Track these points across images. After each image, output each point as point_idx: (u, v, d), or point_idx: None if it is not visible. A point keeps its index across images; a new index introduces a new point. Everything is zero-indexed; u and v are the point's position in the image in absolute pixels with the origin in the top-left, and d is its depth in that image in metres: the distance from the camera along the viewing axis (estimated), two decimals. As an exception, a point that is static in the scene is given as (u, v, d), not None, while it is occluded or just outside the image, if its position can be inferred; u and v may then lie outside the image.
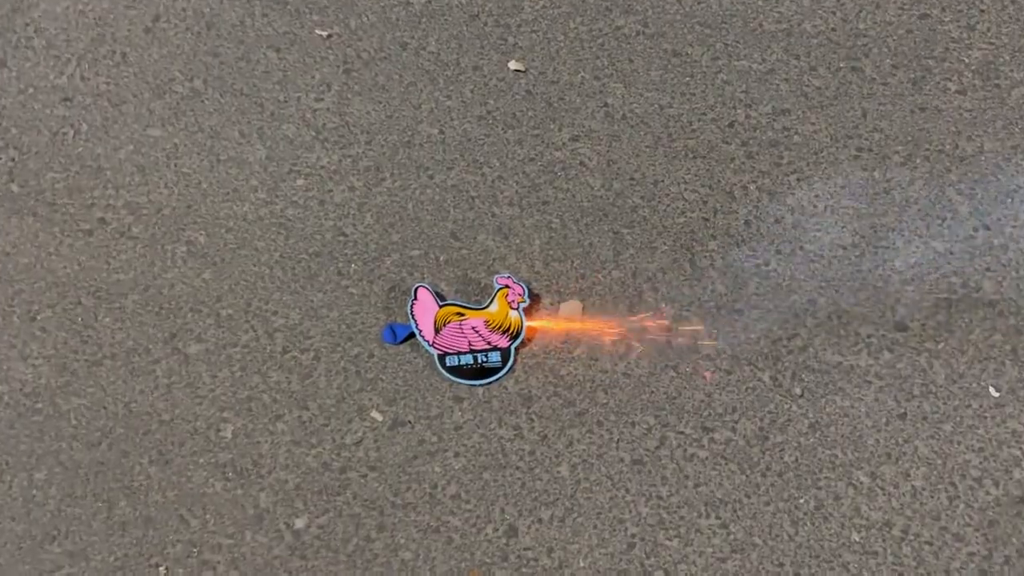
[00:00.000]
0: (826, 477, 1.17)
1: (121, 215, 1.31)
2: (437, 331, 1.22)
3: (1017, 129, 1.36)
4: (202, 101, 1.38)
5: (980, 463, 1.17)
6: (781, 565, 1.13)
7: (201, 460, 1.18)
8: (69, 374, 1.22)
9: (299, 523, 1.16)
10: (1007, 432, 1.19)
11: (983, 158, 1.34)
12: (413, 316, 1.22)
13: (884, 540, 1.14)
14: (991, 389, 1.21)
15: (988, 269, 1.27)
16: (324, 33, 1.44)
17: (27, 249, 1.29)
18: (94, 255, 1.29)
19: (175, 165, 1.34)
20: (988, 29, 1.44)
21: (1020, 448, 1.18)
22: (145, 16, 1.44)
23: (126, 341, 1.24)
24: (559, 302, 1.26)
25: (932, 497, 1.16)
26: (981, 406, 1.21)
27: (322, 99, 1.39)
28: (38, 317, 1.25)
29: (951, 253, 1.29)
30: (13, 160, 1.34)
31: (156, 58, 1.41)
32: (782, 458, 1.18)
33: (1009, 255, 1.28)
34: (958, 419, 1.20)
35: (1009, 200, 1.31)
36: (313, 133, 1.36)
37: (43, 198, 1.31)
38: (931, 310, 1.26)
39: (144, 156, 1.34)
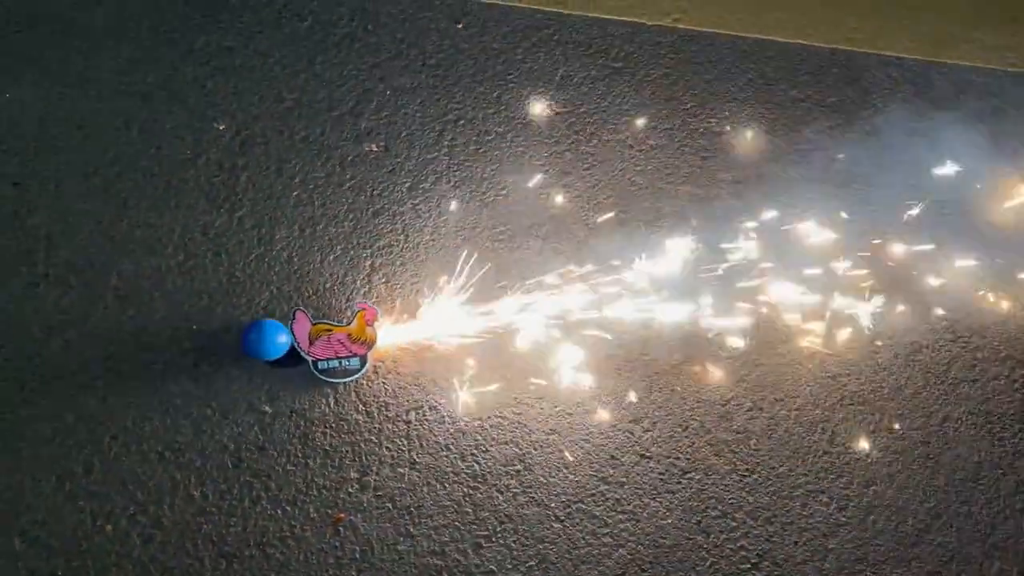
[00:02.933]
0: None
1: (61, 271, 1.71)
2: (311, 343, 1.67)
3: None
4: (123, 181, 1.78)
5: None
6: (560, 495, 1.61)
7: (133, 448, 1.59)
8: (28, 391, 1.61)
9: (206, 490, 1.58)
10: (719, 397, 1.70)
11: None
12: (292, 332, 1.66)
13: (642, 468, 1.63)
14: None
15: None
16: (219, 125, 1.88)
17: (-11, 299, 1.69)
18: (43, 300, 1.69)
19: (103, 231, 1.74)
20: (715, 107, 1.97)
21: (726, 407, 1.69)
22: (75, 116, 1.83)
23: (71, 364, 1.64)
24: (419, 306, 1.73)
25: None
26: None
27: (217, 175, 1.82)
28: (0, 350, 1.65)
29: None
30: (-25, 232, 1.73)
31: (86, 149, 1.81)
32: (566, 420, 1.66)
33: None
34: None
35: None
36: (210, 202, 1.79)
37: (2, 260, 1.71)
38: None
39: (79, 225, 1.74)
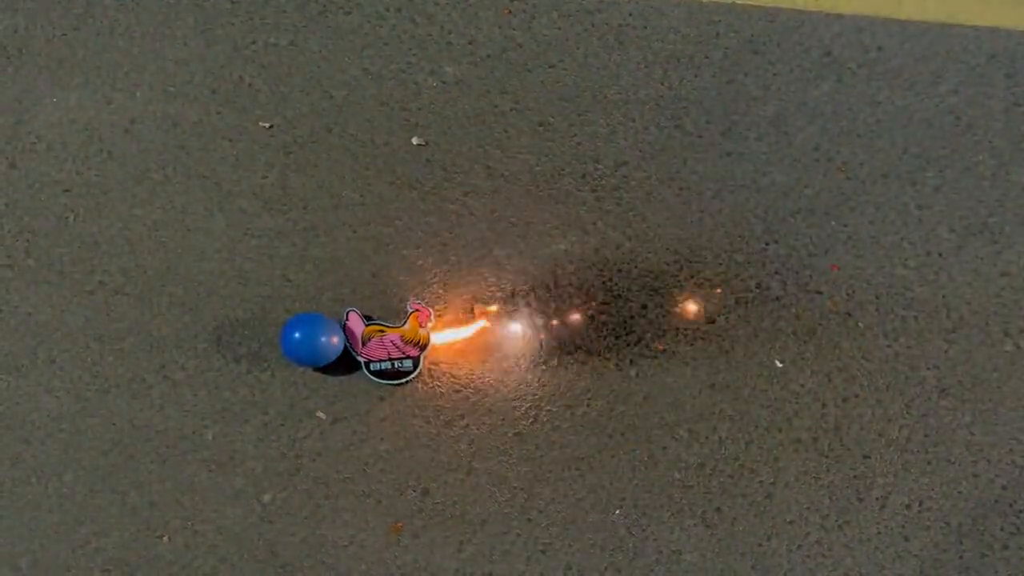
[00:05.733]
0: (656, 434, 1.59)
1: (115, 277, 1.71)
2: (363, 344, 1.63)
3: (799, 165, 1.80)
4: (173, 185, 1.77)
5: (768, 416, 1.60)
6: (624, 500, 1.55)
7: (189, 457, 1.58)
8: (84, 401, 1.61)
9: (266, 498, 1.56)
10: (789, 392, 1.62)
11: (774, 188, 1.78)
12: (345, 333, 1.63)
13: (698, 477, 1.56)
14: (776, 362, 1.64)
15: (776, 273, 1.71)
16: (267, 125, 1.84)
17: (44, 309, 1.68)
18: (96, 310, 1.68)
19: (154, 236, 1.73)
20: (779, 88, 1.88)
21: (799, 403, 1.61)
22: (123, 119, 1.82)
23: (126, 373, 1.63)
24: (474, 302, 1.68)
25: (733, 443, 1.59)
26: (769, 374, 1.63)
27: (267, 176, 1.79)
28: (57, 360, 1.64)
29: (748, 263, 1.72)
30: (28, 241, 1.73)
31: (134, 153, 1.79)
32: (623, 422, 1.60)
33: (792, 261, 1.71)
34: (752, 385, 1.63)
35: (792, 219, 1.75)
36: (261, 204, 1.76)
37: (54, 268, 1.70)
38: (733, 307, 1.69)
39: (130, 231, 1.73)
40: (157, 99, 1.77)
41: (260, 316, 1.65)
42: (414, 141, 1.81)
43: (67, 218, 1.69)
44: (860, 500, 1.58)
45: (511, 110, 1.86)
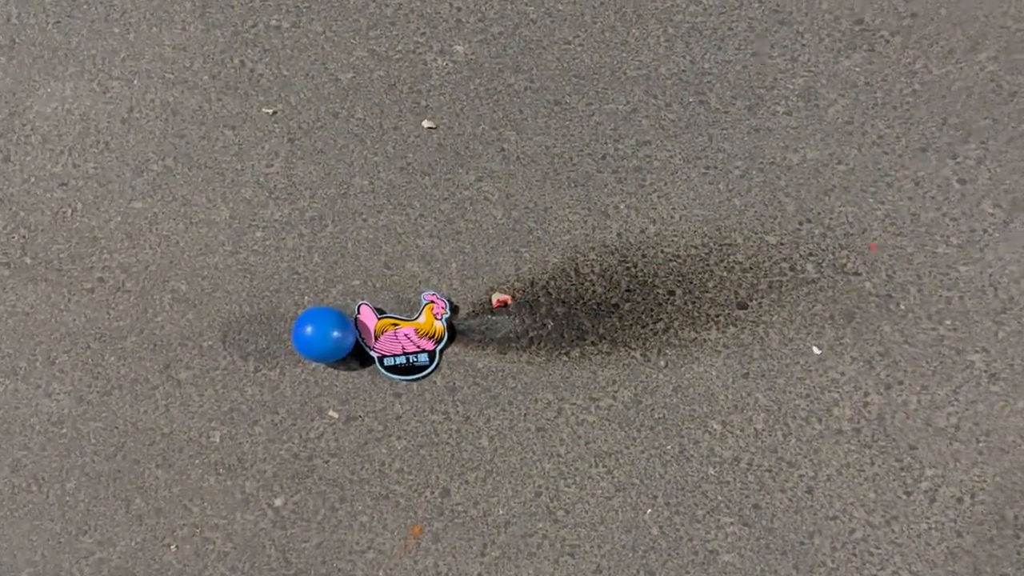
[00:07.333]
0: (687, 427, 1.50)
1: (116, 274, 1.63)
2: (376, 339, 1.55)
3: (832, 140, 1.70)
4: (174, 176, 1.69)
5: (807, 406, 1.51)
6: (655, 498, 1.46)
7: (197, 461, 1.50)
8: (85, 404, 1.54)
9: (278, 502, 1.48)
10: (827, 380, 1.52)
11: (805, 165, 1.68)
12: (357, 328, 1.55)
13: (734, 472, 1.47)
14: (814, 348, 1.55)
15: (811, 254, 1.61)
16: (270, 111, 1.76)
17: (42, 308, 1.61)
18: (97, 308, 1.60)
19: (156, 230, 1.66)
20: (808, 59, 1.78)
21: (838, 392, 1.52)
22: (121, 109, 1.75)
23: (129, 374, 1.55)
24: (491, 292, 1.59)
25: (770, 435, 1.49)
26: (807, 362, 1.54)
27: (272, 165, 1.71)
28: (56, 361, 1.57)
29: (781, 244, 1.62)
30: (24, 238, 1.65)
31: (133, 143, 1.72)
32: (652, 415, 1.51)
33: (827, 241, 1.62)
34: (789, 374, 1.53)
35: (826, 197, 1.65)
36: (266, 193, 1.68)
37: (51, 266, 1.63)
38: (766, 291, 1.59)
39: (130, 225, 1.66)
40: (155, 87, 1.69)
41: (268, 311, 1.57)
42: (425, 124, 1.73)
43: (64, 213, 1.62)
44: (908, 494, 1.48)
45: (525, 89, 1.77)
